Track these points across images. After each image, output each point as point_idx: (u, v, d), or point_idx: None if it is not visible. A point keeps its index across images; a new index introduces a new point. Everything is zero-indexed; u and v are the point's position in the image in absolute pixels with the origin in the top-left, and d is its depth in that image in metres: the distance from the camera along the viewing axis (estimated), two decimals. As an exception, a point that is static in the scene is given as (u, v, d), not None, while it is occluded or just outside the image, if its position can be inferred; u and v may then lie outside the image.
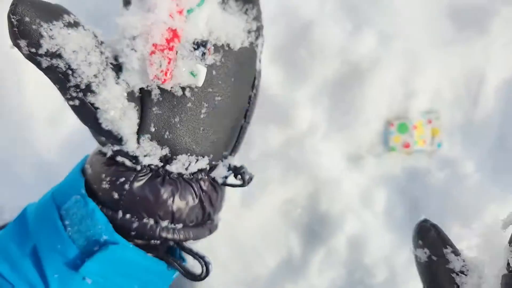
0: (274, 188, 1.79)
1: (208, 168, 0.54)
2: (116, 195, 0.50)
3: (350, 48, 1.75)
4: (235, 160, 0.61)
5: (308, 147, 1.82)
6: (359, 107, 1.83)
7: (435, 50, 1.87)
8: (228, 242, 1.91)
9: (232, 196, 1.78)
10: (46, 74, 0.45)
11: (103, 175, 0.51)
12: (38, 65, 0.44)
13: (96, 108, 0.47)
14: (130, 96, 0.48)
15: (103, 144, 0.52)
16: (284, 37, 1.81)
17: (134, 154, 0.50)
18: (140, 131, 0.49)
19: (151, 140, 0.50)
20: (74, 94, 0.45)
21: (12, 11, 0.39)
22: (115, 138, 0.49)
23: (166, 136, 0.50)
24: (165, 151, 0.51)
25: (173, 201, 0.52)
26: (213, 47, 0.49)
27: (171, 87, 0.47)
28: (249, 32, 0.52)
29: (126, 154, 0.51)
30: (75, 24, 0.44)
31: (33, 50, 0.42)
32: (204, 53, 0.46)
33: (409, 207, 1.93)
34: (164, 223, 0.52)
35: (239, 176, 0.61)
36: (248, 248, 1.91)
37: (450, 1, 1.92)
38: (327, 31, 1.73)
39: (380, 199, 1.91)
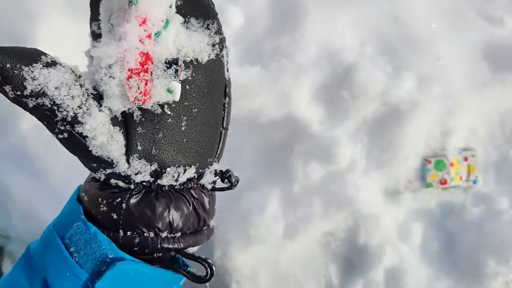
0: (316, 222, 1.88)
1: (196, 177, 0.56)
2: (115, 216, 0.50)
3: (391, 91, 1.84)
4: (220, 165, 0.67)
5: (349, 182, 1.91)
6: (398, 145, 1.92)
7: (472, 91, 1.95)
8: (271, 272, 2.00)
9: (275, 227, 1.88)
10: (33, 114, 0.47)
11: (100, 199, 0.51)
12: (25, 106, 0.46)
13: (85, 137, 0.48)
14: (114, 120, 0.49)
15: (95, 170, 0.53)
16: (326, 78, 1.91)
17: (126, 174, 0.51)
18: (128, 152, 0.50)
19: (139, 158, 0.50)
20: (62, 128, 0.47)
21: None
22: (106, 162, 0.50)
23: (153, 152, 0.51)
24: (154, 166, 0.51)
25: (169, 212, 0.52)
26: (183, 64, 0.52)
27: (151, 106, 0.50)
28: (213, 45, 0.56)
29: (118, 176, 0.51)
30: (52, 63, 0.46)
31: (19, 93, 0.44)
32: (176, 70, 0.49)
33: (445, 241, 2.00)
34: (164, 234, 0.52)
35: (226, 180, 0.66)
36: (289, 278, 2.00)
37: (486, 44, 2.01)
38: (369, 75, 1.82)
39: (417, 233, 1.99)
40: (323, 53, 1.92)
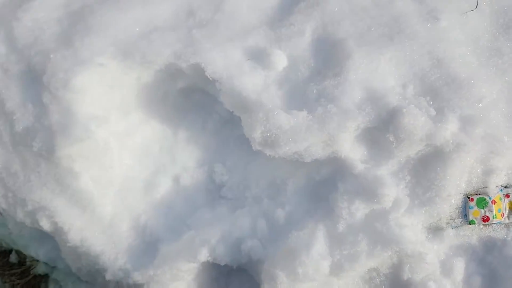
0: (363, 260, 1.94)
1: None
2: None
3: (435, 134, 1.89)
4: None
5: (393, 221, 1.97)
6: (441, 184, 1.97)
7: (513, 130, 1.99)
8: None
9: (322, 265, 1.94)
10: None
11: None
12: None
13: None
14: None
15: None
16: (372, 121, 1.97)
17: None
18: None
19: None
20: None
21: None
22: None
23: None
24: None
25: None
26: None
27: None
28: None
29: None
30: None
31: None
32: None
33: (487, 278, 2.05)
34: None
35: None
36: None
37: (526, 83, 2.05)
38: (414, 118, 1.87)
39: (460, 268, 2.03)
40: (367, 96, 1.97)
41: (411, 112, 1.87)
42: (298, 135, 1.90)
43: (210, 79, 2.03)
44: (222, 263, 2.15)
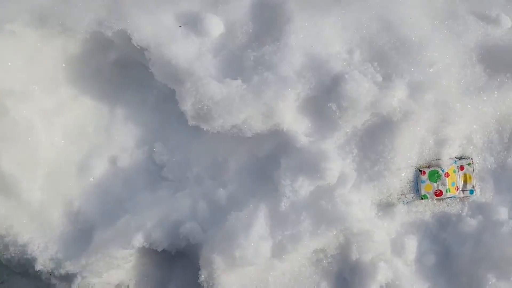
0: (306, 240, 1.79)
1: None
2: None
3: (381, 101, 1.73)
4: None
5: (339, 197, 1.82)
6: (390, 156, 1.82)
7: (467, 97, 1.84)
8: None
9: (262, 248, 1.79)
10: None
11: None
12: None
13: None
14: None
15: None
16: (313, 89, 1.80)
17: None
18: None
19: None
20: None
21: None
22: None
23: None
24: None
25: None
26: None
27: None
28: None
29: None
30: None
31: None
32: None
33: (441, 255, 1.91)
34: None
35: None
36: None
37: (481, 46, 1.89)
38: (357, 85, 1.71)
39: (412, 247, 1.89)
40: (309, 62, 1.80)
41: (353, 78, 1.71)
42: (232, 106, 1.73)
43: (138, 47, 1.84)
44: (160, 249, 1.99)
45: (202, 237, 1.93)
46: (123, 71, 2.22)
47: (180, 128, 2.17)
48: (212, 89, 1.70)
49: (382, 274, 1.82)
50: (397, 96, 1.74)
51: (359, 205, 1.85)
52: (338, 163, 1.79)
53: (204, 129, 1.88)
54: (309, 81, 1.76)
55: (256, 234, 1.80)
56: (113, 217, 2.11)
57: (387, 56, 1.84)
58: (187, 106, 1.75)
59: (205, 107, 1.74)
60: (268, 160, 1.95)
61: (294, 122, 1.85)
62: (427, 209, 1.92)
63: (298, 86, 1.74)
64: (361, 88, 1.70)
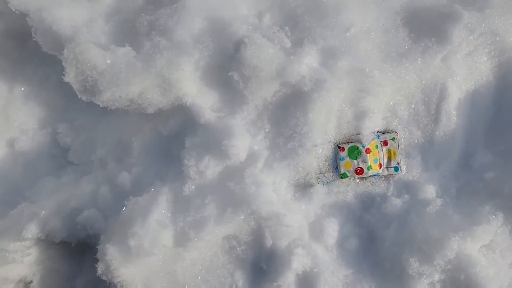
0: (211, 226, 1.60)
1: None
2: None
3: (288, 69, 1.55)
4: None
5: (248, 178, 1.63)
6: (304, 131, 1.64)
7: (388, 65, 1.65)
8: (168, 284, 1.73)
9: (162, 236, 1.60)
10: None
11: None
12: None
13: None
14: None
15: None
16: (214, 57, 1.60)
17: None
18: None
19: None
20: None
21: None
22: None
23: None
24: None
25: None
26: None
27: None
28: None
29: None
30: None
31: None
32: None
33: (365, 239, 1.74)
34: None
35: None
36: (191, 289, 1.73)
37: (406, 8, 1.71)
38: (259, 50, 1.52)
39: (333, 231, 1.71)
40: (209, 27, 1.60)
41: (255, 42, 1.52)
42: (119, 77, 1.52)
43: (16, 12, 1.61)
44: (57, 240, 1.79)
45: (102, 226, 1.74)
46: (21, 44, 1.99)
47: (86, 107, 1.95)
48: (93, 57, 1.49)
49: (298, 261, 1.65)
50: (307, 63, 1.55)
51: (272, 187, 1.67)
52: (245, 140, 1.61)
53: (100, 105, 1.68)
54: (207, 47, 1.56)
55: (155, 221, 1.61)
56: (10, 207, 1.90)
57: (300, 19, 1.65)
58: (70, 77, 1.53)
59: (89, 78, 1.53)
60: (174, 139, 1.75)
61: (199, 95, 1.66)
62: (349, 189, 1.75)
63: (195, 54, 1.54)
64: (264, 54, 1.51)
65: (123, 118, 1.85)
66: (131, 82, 1.51)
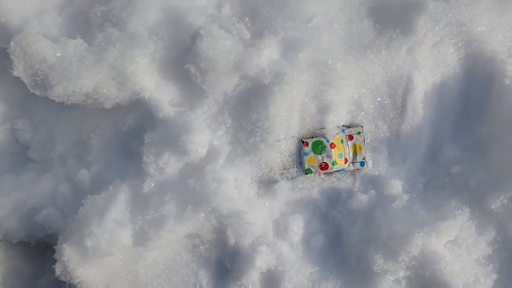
0: (170, 225, 1.56)
1: None
2: None
3: (246, 61, 1.49)
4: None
5: (209, 175, 1.58)
6: (265, 126, 1.59)
7: (352, 56, 1.61)
8: (130, 284, 1.68)
9: (119, 235, 1.55)
10: None
11: None
12: None
13: None
14: None
15: None
16: (170, 49, 1.55)
17: None
18: None
19: None
20: None
21: None
22: None
23: None
24: None
25: None
26: None
27: None
28: None
29: None
30: None
31: None
32: None
33: (330, 236, 1.70)
34: None
35: None
36: (153, 289, 1.69)
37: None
38: (215, 42, 1.47)
39: (298, 228, 1.67)
40: (165, 18, 1.54)
41: (211, 34, 1.46)
42: (71, 70, 1.45)
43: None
44: (15, 240, 1.74)
45: (60, 225, 1.69)
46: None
47: (45, 103, 1.88)
48: (42, 49, 1.43)
49: (263, 260, 1.61)
50: (266, 55, 1.50)
51: (234, 183, 1.63)
52: (204, 136, 1.56)
53: (56, 100, 1.61)
54: (162, 39, 1.50)
55: (112, 220, 1.56)
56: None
57: (261, 10, 1.60)
58: (19, 71, 1.47)
59: (39, 72, 1.46)
60: (134, 135, 1.70)
61: (157, 89, 1.60)
62: (314, 185, 1.71)
63: (149, 46, 1.48)
64: (220, 46, 1.46)
65: (83, 113, 1.79)
66: (84, 75, 1.45)
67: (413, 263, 1.55)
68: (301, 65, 1.52)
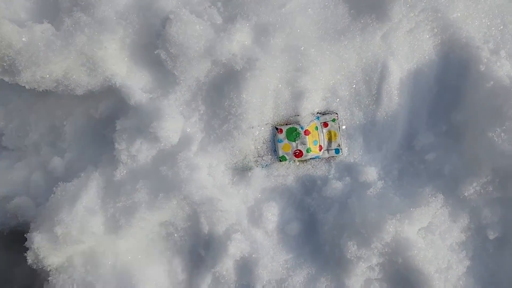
0: (142, 212, 1.54)
1: None
2: None
3: (217, 47, 1.47)
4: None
5: (182, 162, 1.57)
6: (238, 112, 1.58)
7: (325, 42, 1.59)
8: (103, 272, 1.67)
9: (90, 223, 1.54)
10: None
11: None
12: None
13: None
14: None
15: None
16: (140, 34, 1.52)
17: None
18: None
19: None
20: None
21: None
22: None
23: None
24: None
25: None
26: None
27: None
28: None
29: None
30: None
31: None
32: None
33: (305, 223, 1.70)
34: None
35: None
36: (125, 278, 1.68)
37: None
38: (185, 27, 1.44)
39: (273, 215, 1.67)
40: (135, 2, 1.52)
41: (181, 19, 1.44)
42: (38, 56, 1.43)
43: None
44: (-13, 229, 1.72)
45: (33, 214, 1.67)
46: None
47: (20, 90, 1.85)
48: (7, 34, 1.40)
49: (236, 247, 1.60)
50: (238, 41, 1.48)
51: (208, 170, 1.61)
52: (176, 123, 1.54)
53: (26, 87, 1.59)
54: (132, 24, 1.48)
55: (83, 207, 1.54)
56: None
57: (233, -5, 1.57)
58: (-16, 57, 1.44)
59: (6, 57, 1.43)
60: (107, 122, 1.68)
61: (129, 75, 1.58)
62: (289, 172, 1.70)
63: (119, 30, 1.46)
64: (190, 31, 1.43)
65: (57, 101, 1.77)
66: (52, 61, 1.43)
67: (386, 250, 1.55)
68: (273, 50, 1.51)
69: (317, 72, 1.57)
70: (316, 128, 1.65)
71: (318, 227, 1.68)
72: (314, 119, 1.65)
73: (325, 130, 1.67)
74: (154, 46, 1.52)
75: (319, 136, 1.66)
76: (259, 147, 1.65)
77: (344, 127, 1.68)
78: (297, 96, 1.61)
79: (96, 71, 1.52)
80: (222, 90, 1.57)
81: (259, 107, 1.59)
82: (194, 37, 1.44)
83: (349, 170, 1.69)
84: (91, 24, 1.44)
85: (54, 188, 1.59)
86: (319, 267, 1.66)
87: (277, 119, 1.64)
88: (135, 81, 1.58)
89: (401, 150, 1.69)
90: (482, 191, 1.57)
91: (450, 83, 1.67)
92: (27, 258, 1.57)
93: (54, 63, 1.45)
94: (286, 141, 1.64)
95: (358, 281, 1.60)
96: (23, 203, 1.69)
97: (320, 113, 1.66)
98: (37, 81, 1.52)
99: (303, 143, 1.64)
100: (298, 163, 1.70)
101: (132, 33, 1.49)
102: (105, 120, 1.69)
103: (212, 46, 1.45)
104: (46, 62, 1.44)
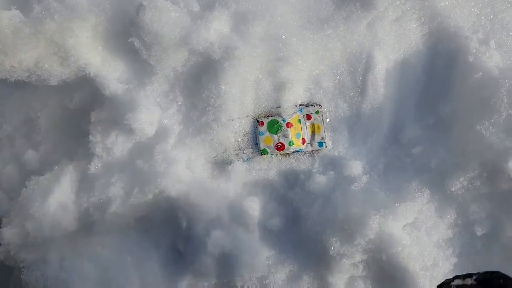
0: (116, 207, 1.49)
1: None
2: None
3: (193, 35, 1.41)
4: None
5: (159, 155, 1.51)
6: (217, 104, 1.52)
7: (308, 31, 1.53)
8: (80, 271, 1.62)
9: (63, 218, 1.48)
10: None
11: None
12: None
13: None
14: None
15: None
16: (113, 22, 1.46)
17: None
18: None
19: None
20: None
21: None
22: None
23: None
24: None
25: None
26: None
27: None
28: None
29: None
30: None
31: None
32: None
33: (288, 218, 1.64)
34: None
35: None
36: (106, 276, 1.62)
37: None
38: (159, 14, 1.38)
39: (254, 210, 1.61)
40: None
41: (155, 6, 1.37)
42: (6, 44, 1.37)
43: None
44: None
45: (5, 208, 1.61)
46: None
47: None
48: (-28, 20, 1.33)
49: (216, 244, 1.55)
50: (215, 29, 1.42)
51: (186, 164, 1.56)
52: (152, 114, 1.48)
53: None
54: (104, 10, 1.42)
55: (56, 202, 1.49)
56: None
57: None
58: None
59: (-27, 45, 1.37)
60: (82, 113, 1.62)
61: (104, 65, 1.52)
62: (272, 166, 1.65)
63: (90, 18, 1.40)
64: (165, 18, 1.37)
65: (31, 92, 1.71)
66: (20, 49, 1.37)
67: (370, 247, 1.50)
68: (253, 39, 1.45)
69: (299, 62, 1.51)
70: (299, 120, 1.60)
71: (301, 222, 1.62)
72: (297, 111, 1.59)
73: (308, 122, 1.61)
74: (128, 34, 1.46)
75: (302, 129, 1.61)
76: (239, 140, 1.59)
77: (328, 119, 1.63)
78: (279, 87, 1.55)
79: (68, 60, 1.46)
80: (200, 80, 1.51)
81: (239, 98, 1.53)
82: (169, 25, 1.38)
83: (333, 164, 1.64)
84: (61, 11, 1.38)
85: (26, 182, 1.54)
86: (302, 264, 1.60)
87: (258, 111, 1.58)
88: (110, 71, 1.52)
89: (387, 143, 1.64)
90: (469, 186, 1.51)
91: (437, 74, 1.61)
92: (0, 254, 1.52)
93: (24, 52, 1.39)
94: (267, 134, 1.58)
95: (341, 279, 1.56)
96: (-4, 198, 1.64)
97: (303, 105, 1.61)
98: (6, 70, 1.46)
99: (285, 136, 1.58)
100: (280, 157, 1.64)
101: (104, 21, 1.43)
102: (80, 111, 1.62)
103: (188, 35, 1.39)
104: (14, 51, 1.38)
